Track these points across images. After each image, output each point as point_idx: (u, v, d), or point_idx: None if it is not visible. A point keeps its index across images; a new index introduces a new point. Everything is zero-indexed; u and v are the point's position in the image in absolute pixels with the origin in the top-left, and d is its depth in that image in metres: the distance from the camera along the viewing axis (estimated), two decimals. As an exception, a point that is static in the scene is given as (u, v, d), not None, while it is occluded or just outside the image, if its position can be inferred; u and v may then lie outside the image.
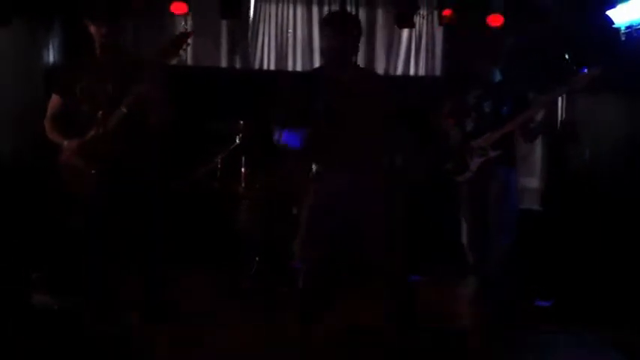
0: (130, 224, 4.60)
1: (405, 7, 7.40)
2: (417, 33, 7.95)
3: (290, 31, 7.99)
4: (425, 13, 7.81)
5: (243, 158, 6.55)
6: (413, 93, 7.18)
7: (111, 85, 4.48)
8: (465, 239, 5.61)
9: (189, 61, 7.81)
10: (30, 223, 5.89)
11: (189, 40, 4.48)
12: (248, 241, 6.39)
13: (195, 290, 6.04)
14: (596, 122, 6.45)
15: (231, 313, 5.44)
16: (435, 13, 7.55)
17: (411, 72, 8.02)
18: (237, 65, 8.04)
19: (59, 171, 4.54)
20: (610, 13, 6.03)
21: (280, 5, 7.99)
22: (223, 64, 8.00)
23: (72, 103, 4.60)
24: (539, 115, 5.41)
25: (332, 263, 4.68)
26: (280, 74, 7.84)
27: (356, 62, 4.66)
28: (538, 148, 7.41)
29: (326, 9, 7.90)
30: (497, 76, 5.50)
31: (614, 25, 6.00)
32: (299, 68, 7.97)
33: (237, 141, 6.53)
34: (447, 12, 7.23)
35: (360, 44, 4.66)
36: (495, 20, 6.95)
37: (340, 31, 4.48)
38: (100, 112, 4.40)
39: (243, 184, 6.52)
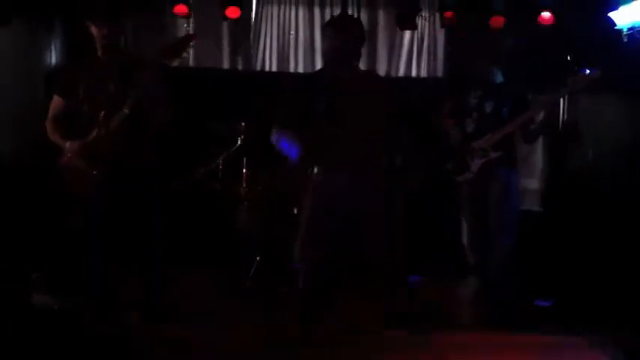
0: (130, 224, 4.61)
1: (407, 9, 7.40)
2: (419, 34, 7.94)
3: (292, 32, 8.00)
4: (427, 15, 7.80)
5: (245, 159, 6.55)
6: (414, 94, 7.18)
7: (112, 86, 4.50)
8: (465, 240, 5.61)
9: (192, 62, 7.81)
10: (30, 223, 5.89)
11: (192, 43, 4.49)
12: (248, 241, 6.38)
13: (195, 290, 6.04)
14: (598, 123, 6.45)
15: (231, 313, 5.44)
16: (437, 14, 7.54)
17: (413, 73, 8.02)
18: (239, 66, 8.04)
19: (60, 172, 4.54)
20: (612, 14, 6.02)
21: (282, 7, 7.99)
22: (225, 65, 8.01)
23: (73, 104, 4.60)
24: (540, 116, 5.40)
25: (332, 263, 4.68)
26: (282, 76, 7.84)
27: (357, 66, 4.65)
28: (539, 149, 7.41)
29: (328, 10, 7.91)
30: (499, 78, 5.51)
31: (616, 27, 5.99)
32: (301, 70, 7.97)
33: (239, 142, 6.53)
34: (448, 14, 7.23)
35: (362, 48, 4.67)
36: (497, 22, 6.94)
37: (341, 32, 4.49)
38: (102, 113, 4.41)
39: (244, 185, 6.52)
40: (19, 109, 6.22)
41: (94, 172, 4.47)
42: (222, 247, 6.57)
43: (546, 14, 6.86)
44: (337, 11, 7.83)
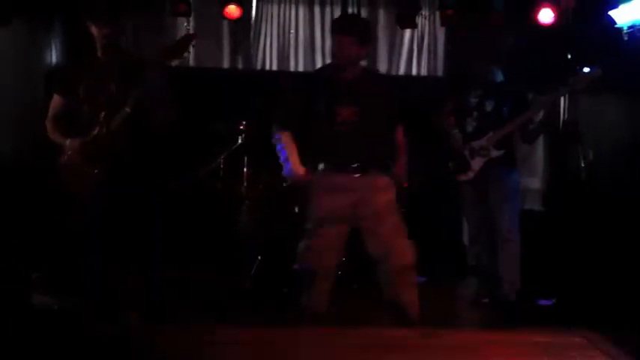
0: (130, 224, 4.60)
1: (407, 8, 7.41)
2: (419, 33, 7.96)
3: (292, 31, 8.00)
4: (427, 14, 7.82)
5: (246, 158, 6.56)
6: (415, 93, 7.19)
7: (112, 86, 4.48)
8: (466, 239, 5.61)
9: (192, 62, 7.83)
10: (30, 223, 5.89)
11: (193, 43, 4.49)
12: (249, 241, 6.39)
13: (196, 290, 6.04)
14: (598, 122, 6.45)
15: (231, 313, 5.44)
16: (437, 13, 7.54)
17: (413, 72, 8.05)
18: (240, 66, 8.06)
19: (60, 171, 4.54)
20: (612, 13, 6.01)
21: (282, 6, 8.00)
22: (225, 64, 8.03)
23: (73, 103, 4.59)
24: (539, 116, 5.40)
25: (340, 265, 4.68)
26: (282, 75, 7.85)
27: (360, 65, 4.64)
28: (540, 149, 7.41)
29: (328, 10, 7.92)
30: (499, 77, 5.50)
31: (616, 25, 5.99)
32: (301, 69, 7.99)
33: (240, 141, 6.54)
34: (448, 12, 7.22)
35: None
36: (497, 20, 6.94)
37: (340, 32, 4.48)
38: (102, 113, 4.40)
39: (245, 184, 6.53)
40: (19, 109, 6.22)
41: (95, 171, 4.47)
42: (223, 246, 6.58)
43: (547, 12, 6.85)
44: (337, 10, 7.85)
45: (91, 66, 4.57)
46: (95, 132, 4.43)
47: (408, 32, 7.93)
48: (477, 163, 5.42)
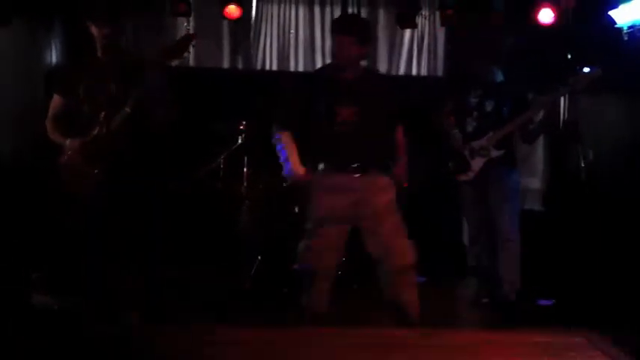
0: (130, 224, 4.60)
1: (407, 8, 7.41)
2: (419, 33, 7.96)
3: (292, 31, 8.00)
4: (427, 14, 7.82)
5: (246, 158, 6.56)
6: (415, 93, 7.19)
7: (112, 86, 4.48)
8: (466, 240, 5.61)
9: (192, 62, 7.82)
10: (30, 223, 5.88)
11: (193, 43, 4.49)
12: (249, 241, 6.39)
13: (196, 290, 6.04)
14: (598, 122, 6.45)
15: (231, 313, 5.44)
16: (437, 13, 7.54)
17: (413, 72, 8.04)
18: (240, 66, 8.06)
19: (60, 171, 4.54)
20: (612, 13, 6.01)
21: (282, 6, 8.00)
22: (225, 64, 8.03)
23: (74, 103, 4.59)
24: (539, 116, 5.40)
25: (340, 266, 4.68)
26: (282, 75, 7.85)
27: (360, 65, 4.63)
28: (540, 149, 7.41)
29: (328, 10, 7.92)
30: (499, 77, 5.50)
31: (616, 25, 5.99)
32: (301, 69, 7.99)
33: (240, 141, 6.53)
34: (448, 12, 7.22)
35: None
36: (497, 20, 6.94)
37: (340, 32, 4.49)
38: (103, 113, 4.40)
39: (245, 184, 6.53)
40: (19, 109, 6.22)
41: (95, 171, 4.47)
42: (223, 246, 6.58)
43: (547, 12, 6.85)
44: (337, 10, 7.86)
45: (91, 66, 4.57)
46: (95, 132, 4.43)
47: (408, 32, 7.93)
48: (476, 163, 5.42)
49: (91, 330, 4.42)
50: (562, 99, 6.85)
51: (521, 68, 6.06)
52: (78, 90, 4.53)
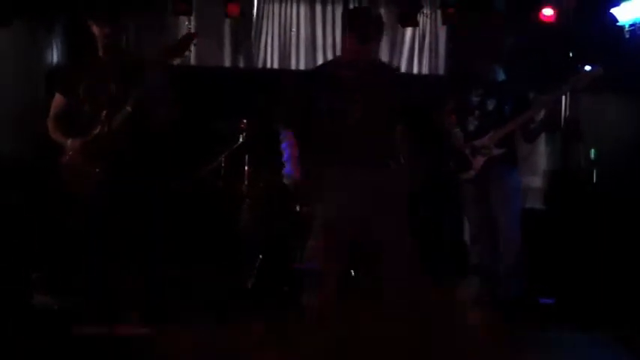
0: (131, 224, 4.60)
1: (408, 6, 7.41)
2: (421, 32, 7.95)
3: (293, 29, 8.00)
4: (428, 12, 7.81)
5: (247, 157, 6.55)
6: (416, 91, 7.18)
7: (113, 85, 4.49)
8: (468, 239, 5.59)
9: (193, 61, 7.82)
10: (30, 223, 5.89)
11: (194, 42, 4.50)
12: (250, 240, 6.38)
13: (196, 289, 6.04)
14: (599, 121, 6.44)
15: (232, 312, 5.43)
16: (439, 12, 7.53)
17: (415, 70, 8.03)
18: (241, 64, 8.05)
19: (61, 171, 4.54)
20: (614, 11, 6.01)
21: (283, 4, 8.00)
22: (227, 63, 8.02)
23: (75, 102, 4.60)
24: (540, 115, 5.39)
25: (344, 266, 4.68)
26: (283, 73, 7.85)
27: (366, 61, 4.61)
28: (541, 148, 7.40)
29: (329, 8, 7.93)
30: (501, 75, 5.49)
31: (617, 23, 5.98)
32: (302, 67, 7.98)
33: (241, 140, 6.53)
34: (450, 11, 7.22)
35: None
36: (498, 19, 6.93)
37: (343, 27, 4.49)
38: (104, 112, 4.41)
39: (246, 183, 6.52)
40: (20, 109, 6.23)
41: (96, 171, 4.47)
42: (224, 245, 6.57)
43: (548, 11, 6.85)
44: (339, 8, 7.85)
45: (92, 65, 4.58)
46: (96, 131, 4.44)
47: (409, 31, 7.92)
48: (478, 162, 5.41)
49: (90, 330, 4.42)
50: (563, 98, 6.84)
51: (523, 67, 6.06)
52: (79, 89, 4.54)
